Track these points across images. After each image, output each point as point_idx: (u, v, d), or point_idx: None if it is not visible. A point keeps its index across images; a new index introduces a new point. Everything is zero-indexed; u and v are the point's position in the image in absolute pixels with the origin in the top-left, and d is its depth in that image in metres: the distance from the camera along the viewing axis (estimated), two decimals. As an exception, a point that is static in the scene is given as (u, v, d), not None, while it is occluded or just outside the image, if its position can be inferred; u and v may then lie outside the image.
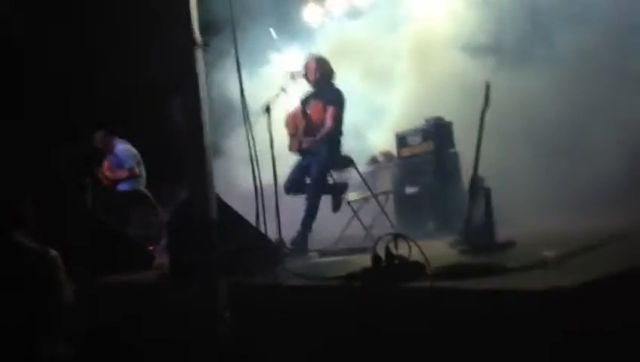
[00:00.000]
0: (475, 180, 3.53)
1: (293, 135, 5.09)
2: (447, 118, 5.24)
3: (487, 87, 3.44)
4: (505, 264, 2.72)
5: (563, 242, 3.09)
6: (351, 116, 5.17)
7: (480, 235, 3.43)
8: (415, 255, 2.80)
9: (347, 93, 5.05)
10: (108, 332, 3.46)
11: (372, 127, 6.16)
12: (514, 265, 2.65)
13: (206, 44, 3.05)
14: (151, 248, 5.76)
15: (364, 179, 5.09)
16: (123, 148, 6.60)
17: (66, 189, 6.45)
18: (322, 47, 6.10)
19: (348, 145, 5.16)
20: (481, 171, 3.55)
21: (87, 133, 6.52)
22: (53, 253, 2.86)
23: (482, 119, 3.46)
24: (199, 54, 2.99)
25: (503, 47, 5.44)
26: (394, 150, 5.74)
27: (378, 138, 6.10)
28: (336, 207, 5.12)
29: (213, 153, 3.31)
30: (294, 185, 4.95)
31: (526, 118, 4.90)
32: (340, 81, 5.12)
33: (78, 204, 6.01)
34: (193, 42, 2.97)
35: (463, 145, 4.68)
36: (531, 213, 4.35)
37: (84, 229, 4.97)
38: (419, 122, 5.38)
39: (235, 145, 6.02)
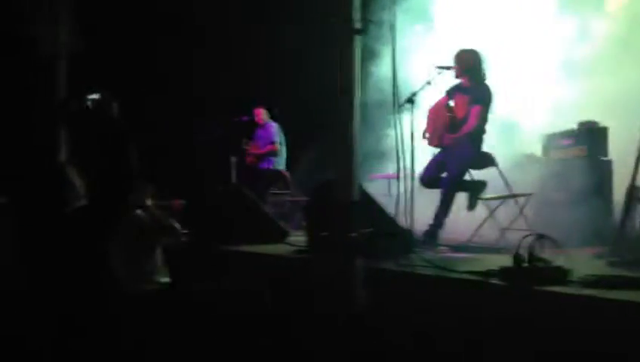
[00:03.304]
0: (633, 190, 3.30)
1: (430, 132, 5.02)
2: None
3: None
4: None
5: None
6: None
7: (633, 248, 3.21)
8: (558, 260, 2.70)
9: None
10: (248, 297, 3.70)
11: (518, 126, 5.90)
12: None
13: (364, 31, 3.12)
14: (281, 226, 6.05)
15: (504, 179, 4.93)
16: (272, 125, 7.02)
17: (213, 164, 6.97)
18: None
19: (489, 142, 5.02)
20: (640, 181, 3.32)
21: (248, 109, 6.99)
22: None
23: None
24: (356, 41, 3.08)
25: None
26: (539, 151, 5.50)
27: (523, 137, 5.84)
28: (471, 205, 5.00)
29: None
30: (430, 179, 4.92)
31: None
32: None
33: (224, 178, 6.47)
34: (352, 29, 3.06)
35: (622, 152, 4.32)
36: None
37: (229, 201, 5.36)
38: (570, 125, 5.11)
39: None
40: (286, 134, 7.06)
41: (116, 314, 3.24)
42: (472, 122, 4.79)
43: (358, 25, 3.18)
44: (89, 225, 3.52)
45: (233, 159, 6.49)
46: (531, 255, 2.66)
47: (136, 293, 3.35)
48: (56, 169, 3.46)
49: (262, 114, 7.02)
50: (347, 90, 3.21)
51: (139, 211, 3.45)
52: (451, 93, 5.05)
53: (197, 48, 7.18)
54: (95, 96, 3.83)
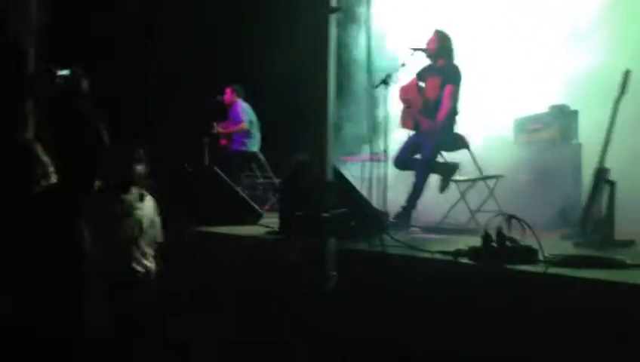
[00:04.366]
0: (600, 172, 3.37)
1: (407, 108, 5.07)
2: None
3: (627, 74, 3.25)
4: (625, 260, 2.61)
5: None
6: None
7: (598, 230, 3.28)
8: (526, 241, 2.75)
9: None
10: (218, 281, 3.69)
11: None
12: (635, 263, 2.54)
13: (339, 9, 3.09)
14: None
15: (476, 162, 4.99)
16: (239, 104, 6.93)
17: (187, 145, 6.88)
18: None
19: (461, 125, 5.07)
20: (607, 163, 3.38)
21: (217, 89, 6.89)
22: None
23: (615, 108, 3.28)
24: (332, 19, 3.05)
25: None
26: (510, 134, 5.58)
27: (494, 120, 5.90)
28: (443, 187, 5.07)
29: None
30: (404, 160, 4.96)
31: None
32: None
33: (197, 159, 6.40)
34: (328, 8, 3.02)
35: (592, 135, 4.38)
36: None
37: (202, 182, 5.32)
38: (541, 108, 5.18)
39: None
40: (259, 117, 6.99)
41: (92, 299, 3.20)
42: (447, 103, 4.83)
43: (334, 2, 3.15)
44: (60, 204, 3.45)
45: (206, 140, 6.43)
46: (500, 235, 2.70)
47: (122, 278, 3.31)
48: (24, 146, 3.39)
49: (230, 93, 6.94)
50: (322, 69, 3.19)
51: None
52: (422, 75, 5.09)
53: (167, 26, 7.03)
54: (65, 71, 3.74)
